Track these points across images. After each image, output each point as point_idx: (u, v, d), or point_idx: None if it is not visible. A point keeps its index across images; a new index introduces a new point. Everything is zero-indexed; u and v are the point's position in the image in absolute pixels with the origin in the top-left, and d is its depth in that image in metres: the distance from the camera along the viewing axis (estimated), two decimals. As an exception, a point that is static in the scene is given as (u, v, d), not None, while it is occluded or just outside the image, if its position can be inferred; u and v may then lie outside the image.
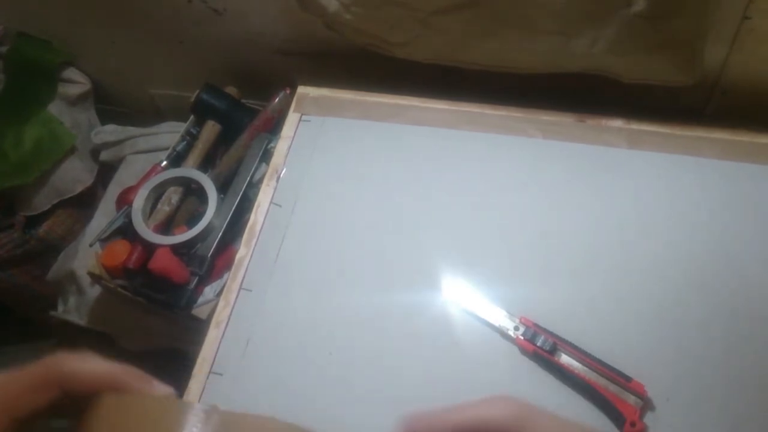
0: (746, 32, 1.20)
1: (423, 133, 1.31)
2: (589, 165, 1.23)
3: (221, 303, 1.17)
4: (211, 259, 1.40)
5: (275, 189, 1.27)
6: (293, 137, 1.34)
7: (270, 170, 1.30)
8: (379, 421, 1.03)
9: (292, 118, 1.36)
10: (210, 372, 1.10)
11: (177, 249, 1.38)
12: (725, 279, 1.09)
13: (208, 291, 1.42)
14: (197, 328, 1.32)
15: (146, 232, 1.37)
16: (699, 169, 1.20)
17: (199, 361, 1.11)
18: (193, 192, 1.48)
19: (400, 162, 1.28)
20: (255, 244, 1.22)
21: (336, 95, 1.38)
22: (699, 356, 1.03)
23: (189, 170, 1.48)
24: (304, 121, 1.36)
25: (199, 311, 1.41)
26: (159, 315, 1.53)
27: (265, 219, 1.24)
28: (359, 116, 1.35)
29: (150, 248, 1.38)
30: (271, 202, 1.25)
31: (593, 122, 1.27)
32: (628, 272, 1.11)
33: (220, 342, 1.12)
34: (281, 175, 1.29)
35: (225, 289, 1.18)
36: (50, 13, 1.76)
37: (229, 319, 1.14)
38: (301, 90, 1.40)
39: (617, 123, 1.26)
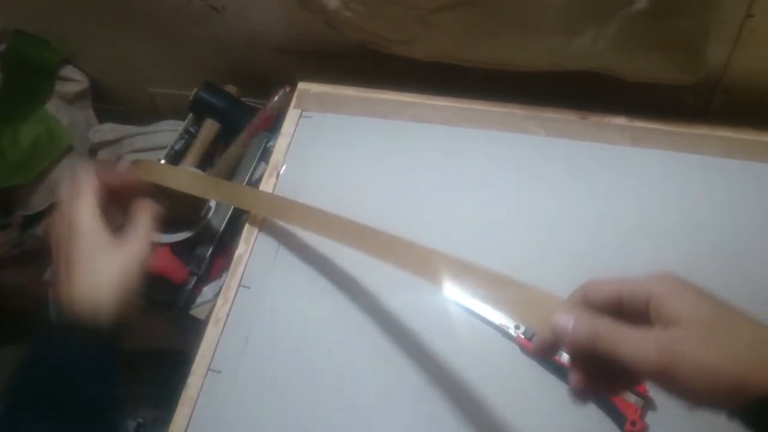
0: (749, 30, 1.20)
1: (424, 130, 1.30)
2: (592, 162, 1.22)
3: (220, 300, 1.16)
4: (210, 259, 1.39)
5: (275, 185, 1.27)
6: (293, 133, 1.33)
7: (270, 166, 1.30)
8: (378, 418, 1.03)
9: (292, 114, 1.36)
10: (209, 369, 1.09)
11: (176, 249, 1.37)
12: (728, 277, 1.08)
13: (207, 291, 1.41)
14: (196, 328, 1.32)
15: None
16: (702, 168, 1.19)
17: (197, 358, 1.11)
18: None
19: (401, 159, 1.28)
20: (254, 241, 1.21)
21: (337, 91, 1.38)
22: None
23: (189, 169, 1.48)
24: (305, 117, 1.35)
25: (198, 311, 1.40)
26: (158, 315, 1.53)
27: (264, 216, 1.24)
28: (360, 113, 1.34)
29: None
30: (271, 199, 1.25)
31: (596, 120, 1.26)
32: (630, 269, 1.09)
33: (218, 339, 1.12)
34: (281, 172, 1.28)
35: (224, 286, 1.18)
36: (48, 11, 1.75)
37: (228, 316, 1.14)
38: (302, 86, 1.39)
39: (620, 121, 1.25)
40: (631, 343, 0.60)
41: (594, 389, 0.67)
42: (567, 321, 0.65)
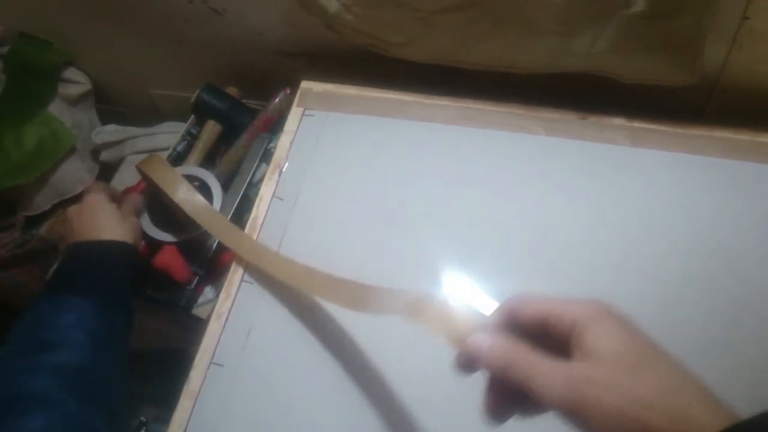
0: (746, 32, 1.21)
1: (425, 129, 1.31)
2: (591, 162, 1.23)
3: (222, 295, 1.17)
4: (212, 259, 1.40)
5: (277, 183, 1.28)
6: (296, 132, 1.34)
7: (272, 164, 1.31)
8: (377, 413, 1.03)
9: (295, 112, 1.37)
10: (211, 363, 1.10)
11: (179, 248, 1.38)
12: (726, 278, 1.09)
13: (209, 291, 1.42)
14: (197, 328, 1.32)
15: (151, 228, 1.37)
16: (700, 168, 1.20)
17: (199, 352, 1.11)
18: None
19: (403, 158, 1.29)
20: (257, 238, 1.22)
21: (339, 90, 1.39)
22: (697, 354, 1.02)
23: (194, 168, 1.48)
24: (307, 115, 1.36)
25: (200, 311, 1.41)
26: (159, 315, 1.53)
27: (267, 212, 1.25)
28: (362, 112, 1.35)
29: (153, 246, 1.38)
30: (273, 196, 1.26)
31: (595, 120, 1.27)
32: (629, 270, 1.12)
33: (221, 333, 1.13)
34: (284, 169, 1.29)
35: (227, 281, 1.18)
36: (51, 13, 1.76)
37: (230, 310, 1.15)
38: (305, 85, 1.41)
39: (619, 121, 1.26)
40: (542, 375, 0.58)
41: (508, 412, 0.65)
42: (482, 343, 0.64)
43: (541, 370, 0.58)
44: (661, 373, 0.56)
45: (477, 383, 0.67)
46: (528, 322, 0.64)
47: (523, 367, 0.59)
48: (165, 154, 1.60)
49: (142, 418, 1.64)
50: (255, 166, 1.46)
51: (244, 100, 1.65)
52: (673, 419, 0.53)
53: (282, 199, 1.25)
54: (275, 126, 1.50)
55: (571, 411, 0.56)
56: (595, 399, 0.55)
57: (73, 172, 1.86)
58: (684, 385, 0.56)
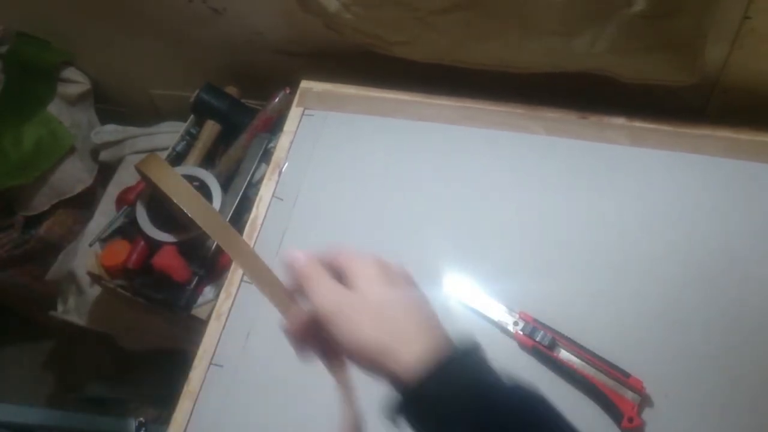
0: (747, 32, 1.20)
1: (425, 129, 1.31)
2: (591, 162, 1.23)
3: (222, 296, 1.17)
4: (212, 260, 1.40)
5: (277, 183, 1.28)
6: (296, 131, 1.34)
7: (272, 164, 1.30)
8: (376, 413, 1.03)
9: (295, 112, 1.37)
10: (210, 363, 1.10)
11: (179, 248, 1.37)
12: (726, 276, 1.09)
13: (208, 291, 1.41)
14: (197, 328, 1.32)
15: (151, 229, 1.37)
16: (701, 167, 1.20)
17: (199, 352, 1.11)
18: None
19: (402, 157, 1.28)
20: (257, 238, 1.22)
21: (339, 90, 1.39)
22: (698, 353, 1.03)
23: (194, 168, 1.48)
24: (307, 115, 1.36)
25: (199, 311, 1.40)
26: (159, 315, 1.53)
27: (266, 213, 1.24)
28: (362, 111, 1.35)
29: (153, 246, 1.37)
30: (273, 196, 1.25)
31: (596, 119, 1.27)
32: (629, 269, 1.12)
33: (220, 334, 1.13)
34: (283, 169, 1.29)
35: (227, 281, 1.18)
36: (50, 13, 1.76)
37: (230, 311, 1.15)
38: (305, 84, 1.40)
39: (619, 120, 1.26)
40: (323, 287, 0.72)
41: (307, 346, 0.78)
42: (300, 256, 0.75)
43: (324, 284, 0.73)
44: (394, 317, 0.70)
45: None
46: (329, 260, 0.76)
47: (315, 280, 0.73)
48: (164, 154, 1.60)
49: (141, 419, 1.64)
50: (254, 166, 1.46)
51: (243, 100, 1.64)
52: (382, 351, 0.68)
53: (282, 199, 1.24)
54: (275, 126, 1.50)
55: (326, 321, 0.70)
56: (345, 317, 0.70)
57: (73, 172, 1.86)
58: (404, 329, 0.69)
